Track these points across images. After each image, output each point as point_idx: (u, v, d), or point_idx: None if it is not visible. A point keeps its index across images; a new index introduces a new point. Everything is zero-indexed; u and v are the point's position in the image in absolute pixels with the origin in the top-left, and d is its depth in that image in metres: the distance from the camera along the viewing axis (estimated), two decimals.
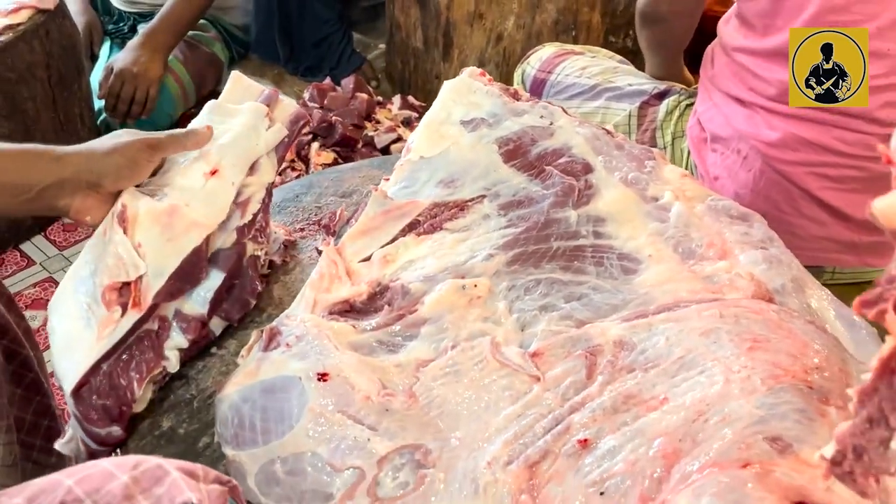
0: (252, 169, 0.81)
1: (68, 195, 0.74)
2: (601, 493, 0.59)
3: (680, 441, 0.59)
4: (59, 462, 0.93)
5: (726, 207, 0.84)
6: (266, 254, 0.86)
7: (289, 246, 0.92)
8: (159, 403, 0.75)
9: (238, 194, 0.80)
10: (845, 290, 1.14)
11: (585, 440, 0.62)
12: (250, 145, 0.81)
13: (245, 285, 0.82)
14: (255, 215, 0.81)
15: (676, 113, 1.23)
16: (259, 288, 0.83)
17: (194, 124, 0.84)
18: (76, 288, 0.73)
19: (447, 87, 0.93)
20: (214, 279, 0.78)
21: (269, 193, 0.84)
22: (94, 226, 0.76)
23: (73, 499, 0.47)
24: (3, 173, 0.72)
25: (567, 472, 0.61)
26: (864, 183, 1.06)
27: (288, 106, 0.88)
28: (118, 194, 0.75)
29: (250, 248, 0.82)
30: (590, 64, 1.34)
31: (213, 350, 0.80)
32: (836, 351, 0.67)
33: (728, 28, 1.16)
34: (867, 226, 1.07)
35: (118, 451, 0.74)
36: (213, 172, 0.77)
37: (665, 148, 1.24)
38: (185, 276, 0.75)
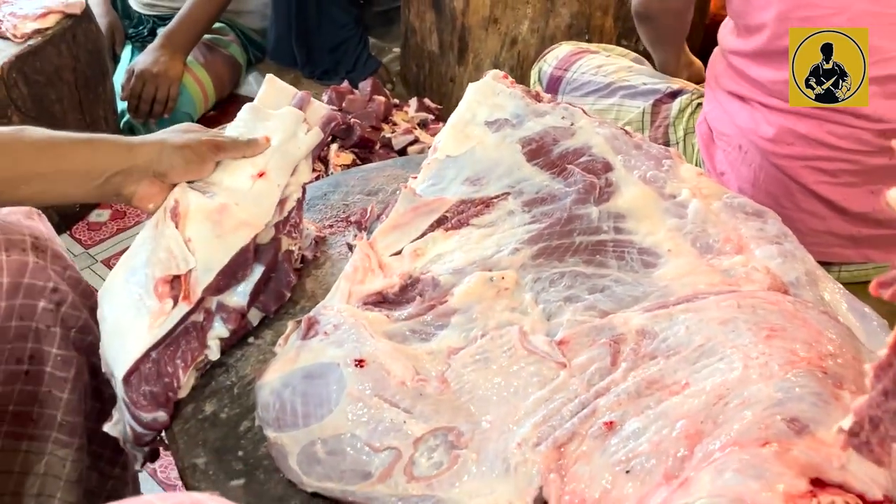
0: (293, 172, 0.85)
1: (135, 182, 0.78)
2: (627, 472, 0.62)
3: (702, 423, 0.62)
4: (123, 473, 0.96)
5: (742, 205, 0.87)
6: (299, 249, 0.90)
7: (319, 242, 0.96)
8: (201, 389, 0.79)
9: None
10: (851, 288, 1.17)
11: (611, 422, 0.65)
12: (293, 149, 0.85)
13: (281, 278, 0.86)
14: (290, 212, 0.85)
15: (688, 111, 1.27)
16: (293, 281, 0.87)
17: (233, 126, 0.88)
18: (127, 279, 0.77)
19: (472, 89, 0.97)
20: (254, 273, 0.82)
21: (303, 191, 0.88)
22: (154, 213, 0.80)
23: None
24: (76, 161, 0.76)
25: (594, 452, 0.64)
26: (859, 176, 1.08)
27: (319, 108, 0.92)
28: (174, 188, 0.79)
29: (285, 243, 0.86)
30: (605, 62, 1.38)
31: (251, 340, 0.84)
32: (849, 339, 0.70)
33: (724, 31, 1.20)
34: (865, 219, 1.11)
35: (163, 434, 0.77)
36: (261, 175, 0.82)
37: (677, 143, 1.27)
38: (233, 273, 0.78)
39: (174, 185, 0.80)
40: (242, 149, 0.83)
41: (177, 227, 0.76)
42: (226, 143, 0.82)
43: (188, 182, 0.80)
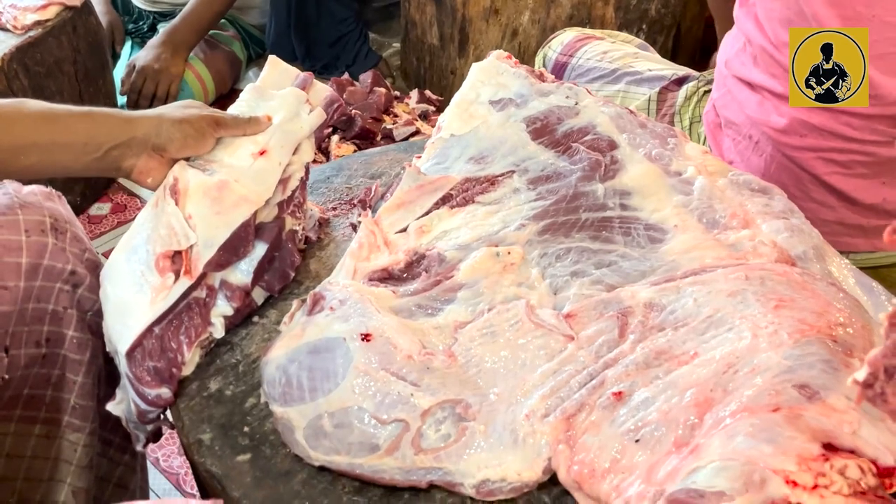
0: (294, 149, 0.85)
1: (134, 156, 0.78)
2: (636, 441, 0.62)
3: (711, 391, 0.62)
4: (132, 461, 0.96)
5: (747, 181, 0.87)
6: (303, 229, 0.89)
7: (323, 223, 0.96)
8: (206, 367, 0.78)
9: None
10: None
11: (620, 393, 0.65)
12: (295, 129, 0.85)
13: (285, 258, 0.85)
14: (294, 191, 0.85)
15: (694, 99, 1.26)
16: (298, 261, 0.87)
17: (235, 106, 0.87)
18: (128, 257, 0.77)
19: (476, 69, 0.97)
20: (258, 251, 0.81)
21: (306, 171, 0.87)
22: (153, 188, 0.80)
23: None
24: (75, 132, 0.76)
25: (603, 422, 0.64)
26: (871, 168, 1.07)
27: (322, 89, 0.91)
28: (173, 164, 0.79)
29: (289, 222, 0.86)
30: (610, 48, 1.37)
31: (255, 319, 0.83)
32: (857, 310, 0.70)
33: (739, 13, 1.18)
34: (875, 210, 1.10)
35: (167, 412, 0.77)
36: (262, 153, 0.81)
37: (683, 131, 1.27)
38: (234, 249, 0.78)
39: (173, 161, 0.80)
40: (243, 126, 0.83)
41: (177, 203, 0.76)
42: (226, 120, 0.82)
43: (187, 160, 0.80)
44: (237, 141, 0.83)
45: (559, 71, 1.40)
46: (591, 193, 0.84)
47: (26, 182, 0.83)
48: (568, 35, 1.44)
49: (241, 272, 0.80)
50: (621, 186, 0.85)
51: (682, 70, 1.32)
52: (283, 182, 0.83)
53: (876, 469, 0.55)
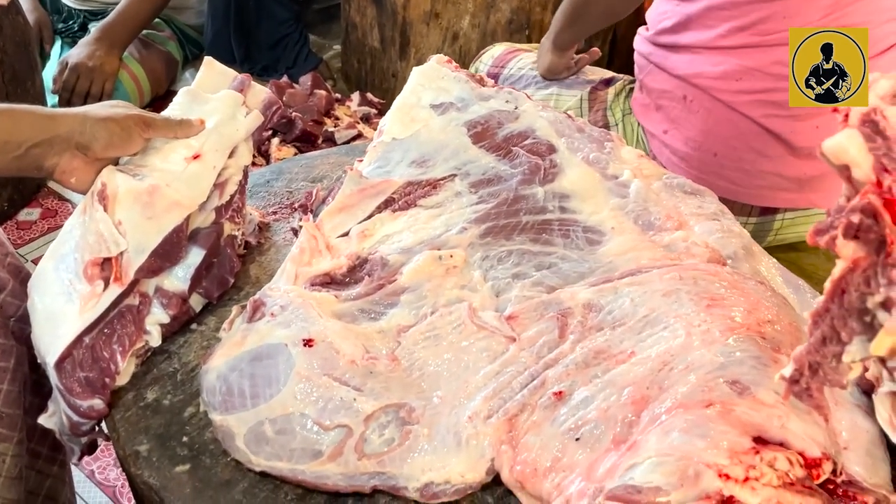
0: (231, 153, 0.84)
1: (56, 155, 0.74)
2: (577, 439, 0.63)
3: (647, 388, 0.64)
4: (61, 472, 0.92)
5: (680, 184, 0.89)
6: (243, 234, 0.88)
7: (263, 227, 0.95)
8: (143, 377, 0.76)
9: (217, 176, 0.82)
10: (789, 251, 1.21)
11: (560, 392, 0.66)
12: (230, 132, 0.83)
13: (224, 263, 0.84)
14: (232, 196, 0.84)
15: (623, 94, 1.31)
16: (237, 266, 0.85)
17: (169, 110, 0.85)
18: (56, 265, 0.74)
19: (417, 73, 0.97)
20: (194, 257, 0.80)
21: (245, 176, 0.86)
22: (78, 190, 0.77)
23: None
24: None
25: (544, 422, 0.65)
26: (805, 108, 1.09)
27: (260, 91, 0.90)
28: (100, 166, 0.77)
29: (228, 227, 0.84)
30: None
31: (194, 326, 0.82)
32: (785, 308, 0.73)
33: None
34: (810, 156, 1.14)
35: (102, 423, 0.75)
36: (196, 157, 0.80)
37: (616, 125, 1.31)
38: (166, 254, 0.76)
39: (99, 162, 0.77)
40: (174, 128, 0.80)
41: (105, 210, 0.73)
42: (156, 121, 0.79)
43: (116, 163, 0.78)
44: (170, 144, 0.81)
45: None
46: (532, 197, 0.86)
47: None
48: (498, 49, 1.48)
49: (178, 279, 0.79)
50: (560, 190, 0.87)
51: (608, 73, 1.36)
52: (220, 186, 0.82)
53: (804, 460, 0.57)
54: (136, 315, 0.76)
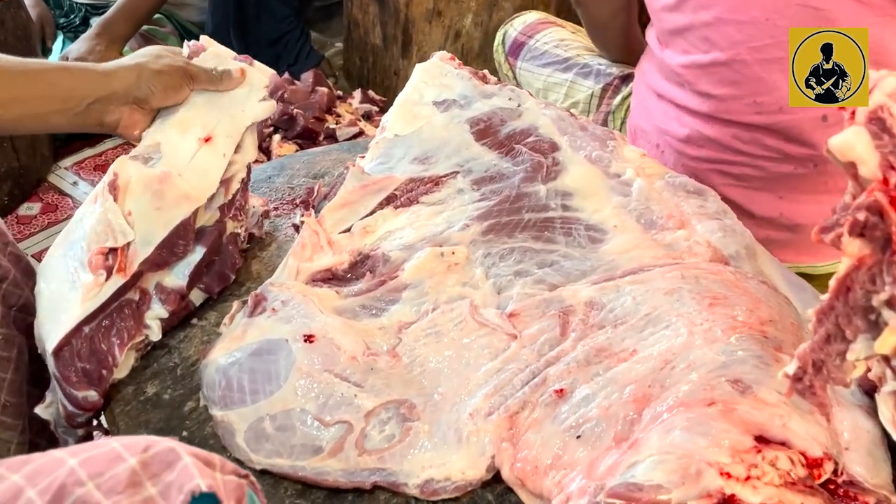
0: (237, 148, 0.83)
1: (117, 110, 0.77)
2: (578, 437, 0.63)
3: (649, 387, 0.64)
4: None
5: (683, 183, 0.89)
6: (245, 230, 0.88)
7: (266, 216, 0.93)
8: (143, 371, 0.76)
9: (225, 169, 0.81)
10: None
11: (561, 390, 0.66)
12: (242, 117, 0.83)
13: (225, 260, 0.84)
14: (235, 194, 0.83)
15: (626, 104, 1.29)
16: (239, 263, 0.85)
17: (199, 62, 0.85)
18: (65, 252, 0.74)
19: (419, 70, 0.97)
20: (195, 254, 0.79)
21: (248, 173, 0.86)
22: (139, 141, 0.79)
23: (75, 481, 0.43)
24: (54, 86, 0.74)
25: (545, 419, 0.65)
26: (764, 182, 1.08)
27: (266, 70, 0.88)
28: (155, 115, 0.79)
29: (230, 226, 0.84)
30: (568, 38, 1.39)
31: (194, 321, 0.82)
32: (787, 307, 0.73)
33: (648, 25, 1.20)
34: (772, 223, 1.12)
35: (101, 415, 0.74)
36: (208, 139, 0.80)
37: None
38: (172, 248, 0.76)
39: (154, 111, 0.80)
40: (216, 81, 0.82)
41: (115, 200, 0.73)
42: (199, 74, 0.82)
43: (132, 145, 0.79)
44: (186, 121, 0.81)
45: (516, 50, 1.41)
46: (534, 194, 0.85)
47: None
48: (531, 16, 1.45)
49: (177, 275, 0.79)
50: (563, 187, 0.87)
51: (629, 69, 1.34)
52: (224, 184, 0.82)
53: (805, 460, 0.57)
54: (136, 310, 0.76)
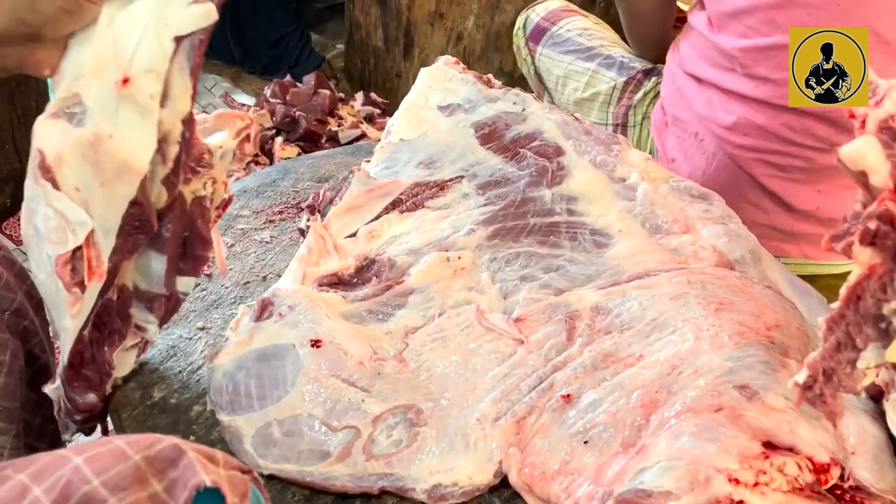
0: (163, 98, 0.61)
1: (8, 53, 0.63)
2: (585, 442, 0.63)
3: (656, 392, 0.64)
4: None
5: (687, 188, 0.89)
6: (213, 183, 0.71)
7: (246, 138, 0.74)
8: (149, 375, 0.76)
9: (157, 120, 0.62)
10: None
11: (568, 395, 0.66)
12: (161, 25, 0.60)
13: (194, 240, 0.71)
14: (177, 158, 0.64)
15: (650, 96, 1.29)
16: (210, 240, 0.72)
17: None
18: (39, 269, 0.67)
19: (424, 74, 0.97)
20: (159, 263, 0.70)
21: (188, 128, 0.64)
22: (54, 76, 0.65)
23: (80, 479, 0.43)
24: None
25: (552, 425, 0.65)
26: (808, 174, 1.11)
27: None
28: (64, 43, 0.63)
29: (188, 191, 0.69)
30: (591, 27, 1.39)
31: (201, 324, 0.82)
32: (793, 312, 0.73)
33: (692, 11, 1.21)
34: (808, 217, 1.14)
35: (105, 415, 0.75)
36: (126, 81, 0.60)
37: (635, 126, 1.29)
38: (135, 229, 0.65)
39: (63, 41, 0.63)
40: None
41: (54, 185, 0.62)
42: None
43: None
44: (103, 54, 0.61)
45: (538, 35, 1.41)
46: (539, 199, 0.86)
47: None
48: (554, 3, 1.46)
49: (152, 284, 0.71)
50: (568, 192, 0.87)
51: (651, 63, 1.34)
52: (160, 148, 0.63)
53: (812, 466, 0.57)
54: (120, 308, 0.71)
